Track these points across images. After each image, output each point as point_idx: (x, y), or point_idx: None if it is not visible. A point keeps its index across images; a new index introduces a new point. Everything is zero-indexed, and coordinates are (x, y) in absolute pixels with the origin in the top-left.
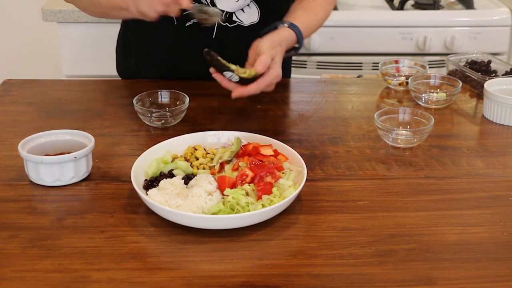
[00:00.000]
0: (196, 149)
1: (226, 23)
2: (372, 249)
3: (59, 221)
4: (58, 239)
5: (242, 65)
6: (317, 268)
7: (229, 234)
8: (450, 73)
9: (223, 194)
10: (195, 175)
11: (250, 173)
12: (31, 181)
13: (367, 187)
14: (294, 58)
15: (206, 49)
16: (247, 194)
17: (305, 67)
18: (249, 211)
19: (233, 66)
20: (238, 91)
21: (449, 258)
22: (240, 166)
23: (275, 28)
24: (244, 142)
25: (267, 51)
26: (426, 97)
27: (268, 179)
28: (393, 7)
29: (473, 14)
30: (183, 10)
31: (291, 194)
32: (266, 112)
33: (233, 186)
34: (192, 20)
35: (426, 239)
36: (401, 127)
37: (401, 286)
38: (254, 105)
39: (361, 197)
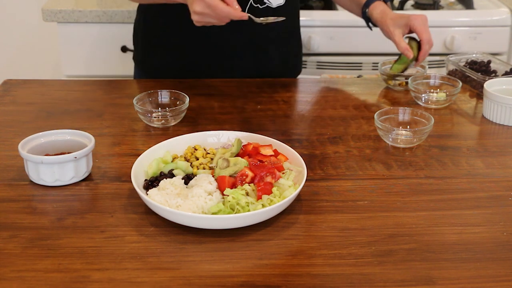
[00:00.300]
0: (196, 149)
1: (258, 4)
2: (372, 249)
3: (59, 221)
4: (58, 239)
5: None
6: (317, 268)
7: (229, 234)
8: (450, 73)
9: (223, 194)
10: (195, 175)
11: (250, 173)
12: (31, 181)
13: (367, 187)
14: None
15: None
16: (247, 194)
17: (305, 67)
18: (249, 211)
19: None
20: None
21: (449, 258)
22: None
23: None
24: (244, 142)
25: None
26: (426, 97)
27: (268, 179)
28: (393, 7)
29: (473, 14)
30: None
31: (291, 194)
32: (266, 112)
33: (233, 186)
34: None
35: (426, 239)
36: (401, 127)
37: (401, 286)
38: (254, 105)
39: (361, 197)
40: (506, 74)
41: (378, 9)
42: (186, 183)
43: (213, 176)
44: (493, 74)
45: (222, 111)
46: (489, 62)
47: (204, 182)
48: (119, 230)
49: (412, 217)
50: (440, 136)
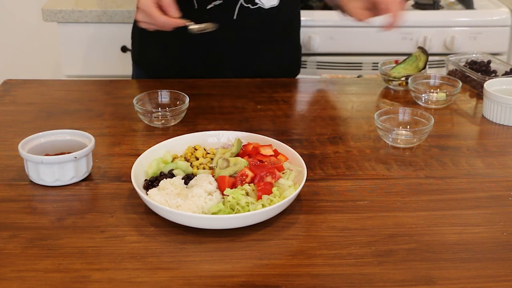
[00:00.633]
0: (196, 149)
1: (249, 5)
2: (372, 249)
3: (59, 221)
4: (58, 239)
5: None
6: (317, 268)
7: (229, 234)
8: (450, 73)
9: (223, 194)
10: (195, 175)
11: (250, 173)
12: (31, 181)
13: (367, 187)
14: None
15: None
16: (247, 194)
17: (305, 67)
18: (249, 211)
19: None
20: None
21: (449, 258)
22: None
23: None
24: (244, 142)
25: None
26: (426, 97)
27: (268, 179)
28: None
29: (473, 14)
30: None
31: (291, 194)
32: (266, 112)
33: (233, 186)
34: (214, 3)
35: (426, 239)
36: (401, 127)
37: (401, 286)
38: (254, 105)
39: (361, 197)
40: (506, 74)
41: None
42: (186, 183)
43: (213, 176)
44: (493, 74)
45: (222, 111)
46: (489, 62)
47: (204, 182)
48: (119, 230)
49: (412, 217)
50: (440, 136)
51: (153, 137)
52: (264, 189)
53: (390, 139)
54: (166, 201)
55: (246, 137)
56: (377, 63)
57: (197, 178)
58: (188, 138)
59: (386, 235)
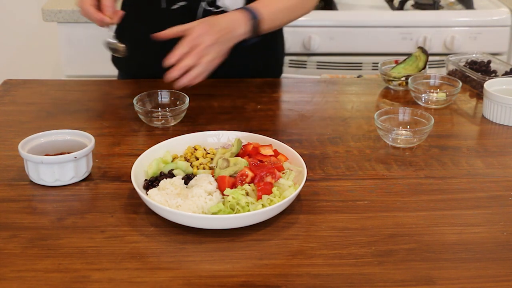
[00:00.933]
0: (196, 149)
1: (212, 8)
2: (372, 249)
3: (59, 221)
4: (58, 239)
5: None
6: (317, 268)
7: (229, 234)
8: (450, 73)
9: (223, 194)
10: (195, 175)
11: (250, 173)
12: (31, 181)
13: (367, 187)
14: (294, 58)
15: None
16: (247, 194)
17: (305, 67)
18: (249, 211)
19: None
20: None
21: (449, 258)
22: None
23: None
24: (244, 142)
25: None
26: (426, 97)
27: (268, 179)
28: (393, 7)
29: (473, 14)
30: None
31: (291, 194)
32: (266, 112)
33: (233, 186)
34: (179, 3)
35: (426, 239)
36: (401, 127)
37: (401, 286)
38: (254, 105)
39: (361, 197)
40: (506, 74)
41: None
42: (186, 183)
43: (213, 176)
44: (493, 74)
45: (222, 111)
46: (489, 62)
47: (204, 182)
48: (119, 230)
49: (412, 217)
50: (440, 136)
51: (153, 137)
52: (264, 189)
53: (390, 139)
54: (166, 201)
55: (246, 137)
56: (377, 63)
57: (197, 178)
58: (188, 138)
59: (386, 235)
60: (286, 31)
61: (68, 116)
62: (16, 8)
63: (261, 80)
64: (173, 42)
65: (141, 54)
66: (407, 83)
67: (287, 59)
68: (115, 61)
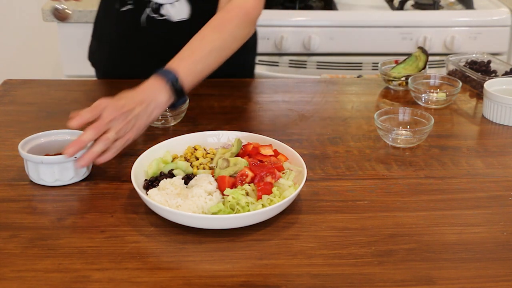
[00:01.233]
0: (196, 149)
1: (156, 15)
2: (372, 249)
3: (59, 221)
4: (58, 239)
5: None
6: (317, 268)
7: (229, 234)
8: (450, 73)
9: (223, 194)
10: (195, 175)
11: (250, 173)
12: (31, 181)
13: (367, 187)
14: (294, 58)
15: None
16: (247, 194)
17: (305, 67)
18: (249, 211)
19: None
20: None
21: (449, 258)
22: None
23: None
24: (244, 142)
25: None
26: (426, 97)
27: (268, 179)
28: (393, 7)
29: (473, 14)
30: None
31: (291, 194)
32: (266, 112)
33: (233, 186)
34: (126, 6)
35: (426, 239)
36: (401, 127)
37: (401, 286)
38: (254, 105)
39: (361, 197)
40: (506, 74)
41: None
42: (186, 183)
43: (213, 176)
44: (493, 74)
45: (222, 111)
46: (489, 62)
47: (204, 182)
48: (119, 230)
49: (412, 217)
50: (440, 136)
51: (153, 137)
52: (264, 189)
53: (390, 139)
54: (166, 201)
55: (246, 137)
56: (377, 63)
57: (197, 178)
58: (188, 138)
59: (386, 235)
60: (286, 31)
61: (68, 116)
62: (16, 8)
63: (261, 80)
64: (144, 40)
65: (110, 53)
66: (407, 83)
67: (287, 59)
68: (92, 59)
